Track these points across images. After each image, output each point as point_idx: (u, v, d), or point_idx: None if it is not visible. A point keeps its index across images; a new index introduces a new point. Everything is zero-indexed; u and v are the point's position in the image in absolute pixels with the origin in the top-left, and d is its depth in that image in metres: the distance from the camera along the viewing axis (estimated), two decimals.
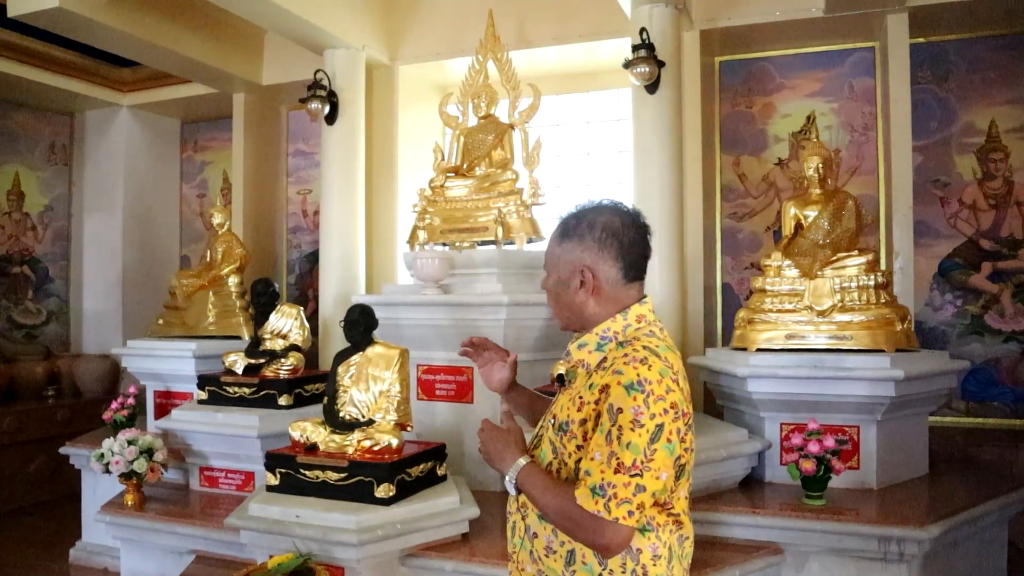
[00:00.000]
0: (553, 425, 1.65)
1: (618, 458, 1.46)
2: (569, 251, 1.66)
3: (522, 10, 5.76)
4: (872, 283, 3.98)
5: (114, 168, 7.42)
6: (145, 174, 7.56)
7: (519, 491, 1.64)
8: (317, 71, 5.67)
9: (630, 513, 1.46)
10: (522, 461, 1.63)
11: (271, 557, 3.12)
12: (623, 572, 1.55)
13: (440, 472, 3.68)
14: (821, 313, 3.98)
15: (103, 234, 7.42)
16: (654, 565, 1.57)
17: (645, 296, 1.71)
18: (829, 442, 3.48)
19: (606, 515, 1.46)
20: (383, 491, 3.28)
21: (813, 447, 3.47)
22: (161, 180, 7.71)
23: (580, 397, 1.59)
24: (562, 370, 1.73)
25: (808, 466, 3.46)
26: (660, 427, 1.47)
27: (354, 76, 5.85)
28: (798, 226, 4.29)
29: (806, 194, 4.36)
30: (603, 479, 1.46)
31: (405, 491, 3.39)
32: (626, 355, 1.54)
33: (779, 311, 4.08)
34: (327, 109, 5.68)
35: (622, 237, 1.64)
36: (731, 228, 5.81)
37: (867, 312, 3.94)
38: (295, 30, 5.50)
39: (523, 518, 1.68)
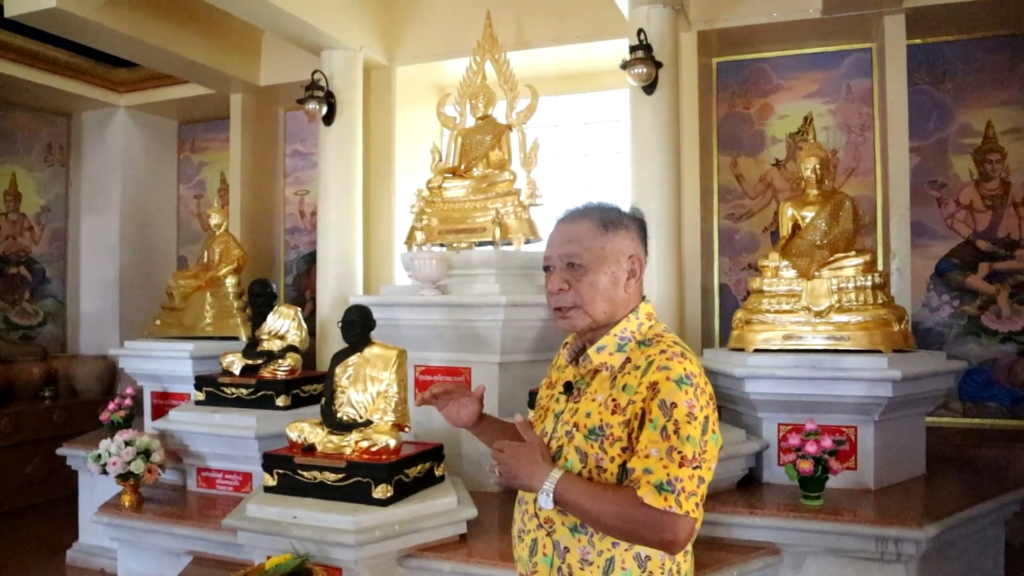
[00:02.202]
0: (579, 433, 1.60)
1: (680, 452, 1.46)
2: (617, 241, 1.65)
3: (520, 11, 5.77)
4: (869, 284, 3.99)
5: (111, 169, 7.41)
6: (142, 175, 7.55)
7: (556, 503, 1.55)
8: (314, 72, 5.67)
9: (697, 505, 1.47)
10: (556, 473, 1.55)
11: (269, 558, 3.12)
12: (662, 572, 1.56)
13: (438, 473, 3.68)
14: (818, 314, 3.98)
15: (100, 235, 7.41)
16: (684, 561, 1.60)
17: (644, 295, 1.73)
18: (827, 442, 3.48)
19: (678, 509, 1.44)
20: (381, 492, 3.28)
21: (811, 447, 3.47)
22: (158, 181, 7.70)
23: (613, 400, 1.56)
24: (553, 376, 1.71)
25: (806, 466, 3.46)
26: (707, 419, 1.50)
27: (352, 77, 5.85)
28: (795, 227, 4.29)
29: (803, 195, 4.36)
30: (668, 475, 1.46)
31: (403, 492, 3.39)
32: (663, 351, 1.55)
33: (776, 312, 4.08)
34: (324, 110, 5.68)
35: (646, 232, 1.72)
36: (728, 229, 5.81)
37: (864, 313, 3.94)
38: (292, 31, 5.50)
39: (548, 534, 1.62)
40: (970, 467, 4.42)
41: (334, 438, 3.53)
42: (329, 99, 5.71)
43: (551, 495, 1.53)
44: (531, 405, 3.86)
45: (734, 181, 5.81)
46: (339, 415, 3.64)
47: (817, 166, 4.27)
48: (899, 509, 3.47)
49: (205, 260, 5.81)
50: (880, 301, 3.98)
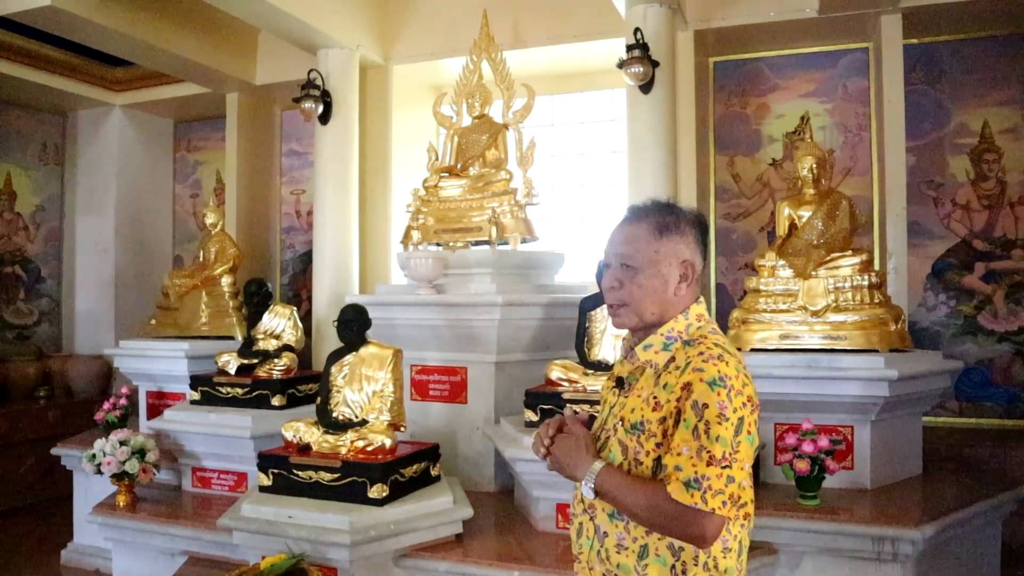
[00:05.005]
0: (622, 427, 1.68)
1: (709, 451, 1.52)
2: (671, 245, 1.70)
3: (516, 10, 5.76)
4: (866, 283, 3.98)
5: (107, 168, 7.38)
6: (138, 174, 7.53)
7: (596, 494, 1.66)
8: (311, 71, 5.66)
9: (724, 503, 1.52)
10: (598, 464, 1.66)
11: (264, 558, 3.11)
12: (695, 564, 1.60)
13: (434, 472, 3.67)
14: (815, 313, 3.98)
15: (95, 234, 7.39)
16: (724, 558, 1.62)
17: (700, 296, 1.77)
18: (823, 442, 3.48)
19: (703, 506, 1.51)
20: (376, 491, 3.28)
21: (807, 447, 3.47)
22: (154, 180, 7.68)
23: (654, 397, 1.63)
24: (615, 369, 1.73)
25: (802, 466, 3.46)
26: (742, 420, 1.54)
27: (348, 76, 5.84)
28: (792, 226, 4.29)
29: (800, 194, 4.36)
30: (696, 472, 1.52)
31: (398, 491, 3.38)
32: (701, 353, 1.60)
33: (773, 311, 4.08)
34: (321, 109, 5.67)
35: (706, 237, 1.77)
36: (725, 228, 5.81)
37: (861, 312, 3.94)
38: (289, 29, 5.49)
39: (591, 519, 1.72)
40: (967, 467, 4.42)
41: (330, 438, 3.52)
42: (325, 98, 5.70)
43: (592, 486, 1.65)
44: (528, 405, 3.86)
45: (731, 181, 5.81)
46: (335, 415, 3.63)
47: (814, 166, 4.27)
48: (896, 509, 3.47)
49: (201, 259, 5.79)
50: (876, 301, 3.98)
